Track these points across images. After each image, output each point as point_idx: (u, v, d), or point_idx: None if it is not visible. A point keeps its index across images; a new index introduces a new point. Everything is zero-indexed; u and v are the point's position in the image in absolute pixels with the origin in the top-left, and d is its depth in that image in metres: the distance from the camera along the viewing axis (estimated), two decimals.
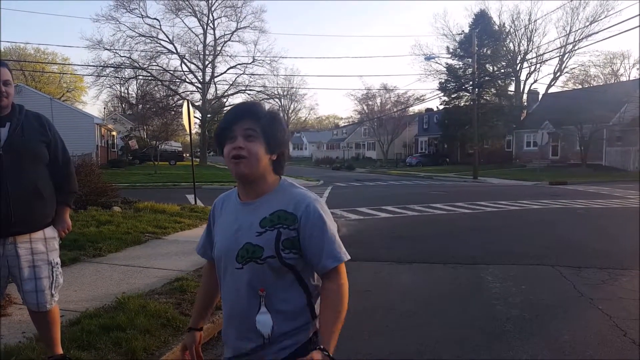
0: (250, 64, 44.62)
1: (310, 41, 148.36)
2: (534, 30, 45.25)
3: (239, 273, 1.46)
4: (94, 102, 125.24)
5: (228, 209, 1.57)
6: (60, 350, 2.81)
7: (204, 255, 1.69)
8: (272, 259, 1.42)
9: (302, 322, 1.48)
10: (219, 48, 44.93)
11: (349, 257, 1.49)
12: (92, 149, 27.51)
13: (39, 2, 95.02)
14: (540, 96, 43.13)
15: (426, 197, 15.44)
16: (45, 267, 2.60)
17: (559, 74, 45.75)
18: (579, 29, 41.99)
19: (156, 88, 40.95)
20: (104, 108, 55.65)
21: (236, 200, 1.54)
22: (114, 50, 40.50)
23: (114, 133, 38.80)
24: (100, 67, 40.52)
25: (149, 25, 42.49)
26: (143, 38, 41.96)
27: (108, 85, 46.68)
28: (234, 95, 45.85)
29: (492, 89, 41.24)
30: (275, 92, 48.60)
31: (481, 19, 40.20)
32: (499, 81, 41.80)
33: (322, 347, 1.38)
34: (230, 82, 45.73)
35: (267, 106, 1.55)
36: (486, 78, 39.17)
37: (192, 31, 45.01)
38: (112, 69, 41.11)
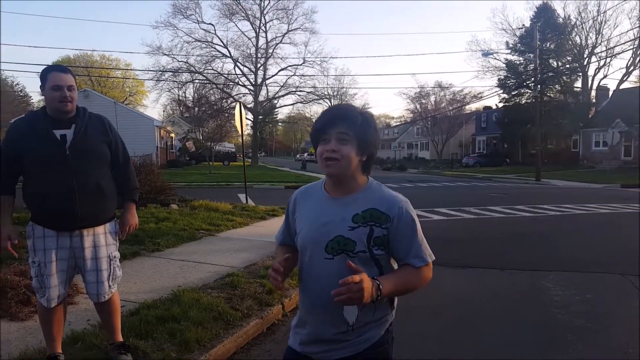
0: (300, 65, 45.27)
1: (361, 40, 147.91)
2: (603, 22, 41.38)
3: (328, 263, 1.54)
4: (154, 106, 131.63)
5: (312, 201, 1.66)
6: (120, 338, 2.99)
7: (282, 242, 1.78)
8: (363, 253, 1.52)
9: (383, 313, 1.59)
10: (270, 50, 45.85)
11: (434, 258, 1.60)
12: (152, 150, 28.81)
13: (105, 11, 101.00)
14: (610, 92, 40.02)
15: (484, 199, 14.79)
16: (105, 259, 2.78)
17: (632, 68, 41.57)
18: None
19: (211, 91, 42.38)
20: (163, 111, 58.16)
21: (323, 194, 1.63)
22: (172, 56, 42.41)
23: (172, 135, 40.52)
24: (160, 72, 42.54)
25: (204, 30, 44.08)
26: (199, 43, 43.63)
27: (167, 89, 48.72)
28: (285, 97, 46.58)
29: (557, 86, 39.04)
30: (325, 93, 48.86)
31: (544, 12, 38.13)
32: (564, 77, 39.40)
33: (379, 282, 1.45)
34: (281, 84, 46.53)
35: (359, 108, 1.61)
36: (550, 74, 37.04)
37: (245, 35, 46.20)
38: (171, 73, 43.00)
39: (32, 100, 50.95)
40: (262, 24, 45.48)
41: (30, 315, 3.61)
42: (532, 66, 32.65)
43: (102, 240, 2.76)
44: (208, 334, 3.40)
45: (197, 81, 44.18)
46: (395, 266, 1.63)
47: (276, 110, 52.17)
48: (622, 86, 41.41)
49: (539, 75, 30.73)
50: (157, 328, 3.38)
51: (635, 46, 39.39)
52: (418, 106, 52.46)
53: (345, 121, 1.52)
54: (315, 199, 1.65)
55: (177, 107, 49.01)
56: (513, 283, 5.49)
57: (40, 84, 2.66)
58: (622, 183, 21.44)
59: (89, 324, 3.50)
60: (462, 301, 4.83)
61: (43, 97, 2.71)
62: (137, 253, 5.86)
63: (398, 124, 71.45)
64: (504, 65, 41.47)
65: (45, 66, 2.72)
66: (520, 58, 39.65)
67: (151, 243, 6.35)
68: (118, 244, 2.91)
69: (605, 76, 44.35)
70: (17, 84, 52.53)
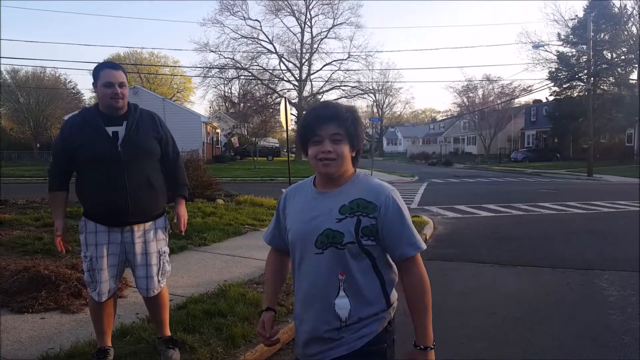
0: (345, 59, 45.08)
1: (407, 33, 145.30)
2: None
3: (318, 258, 1.53)
4: (200, 102, 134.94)
5: (301, 198, 1.65)
6: (168, 332, 3.01)
7: (272, 242, 1.78)
8: (352, 245, 1.50)
9: (378, 308, 1.54)
10: (315, 45, 45.88)
11: (425, 247, 1.56)
12: (199, 145, 29.60)
13: (153, 9, 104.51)
14: None
15: (533, 195, 14.34)
16: (155, 255, 2.79)
17: None
18: None
19: (256, 87, 42.98)
20: (210, 107, 59.73)
21: (311, 190, 1.63)
22: (219, 52, 43.25)
23: (218, 130, 41.45)
24: (207, 69, 43.53)
25: (250, 26, 44.72)
26: (245, 39, 44.26)
27: (213, 86, 49.95)
28: (329, 92, 46.54)
29: (611, 78, 37.41)
30: (370, 87, 48.44)
31: (598, 2, 36.28)
32: (619, 69, 37.61)
33: (421, 346, 1.50)
34: (326, 79, 46.51)
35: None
36: (604, 66, 35.43)
37: (291, 30, 46.67)
38: (217, 70, 43.91)
39: (83, 97, 53.43)
40: (307, 19, 45.62)
41: (81, 308, 3.71)
42: (584, 58, 31.10)
43: (152, 235, 2.77)
44: (254, 329, 3.37)
45: (242, 77, 44.98)
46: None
47: None
48: None
49: (592, 67, 29.26)
50: (204, 322, 3.39)
51: None
52: (465, 100, 51.07)
53: (335, 121, 1.52)
54: (304, 195, 1.65)
55: (223, 103, 50.14)
56: (566, 282, 5.26)
57: (92, 81, 2.69)
58: None
59: (137, 317, 3.55)
60: (514, 301, 4.67)
61: (95, 93, 2.74)
62: (184, 247, 5.97)
63: (444, 118, 69.83)
64: (556, 57, 40.06)
65: (96, 63, 2.74)
66: (573, 50, 38.21)
67: (198, 237, 6.46)
68: (167, 239, 2.92)
69: None
70: (70, 81, 55.35)
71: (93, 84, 2.70)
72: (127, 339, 3.14)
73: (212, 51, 43.39)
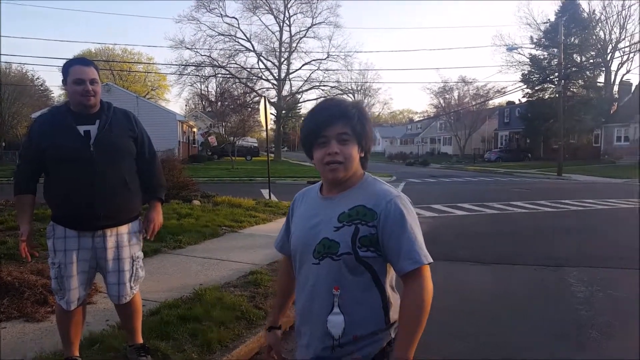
0: (324, 59, 44.98)
1: (385, 34, 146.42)
2: (627, 17, 40.95)
3: (315, 269, 1.42)
4: (176, 100, 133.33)
5: (307, 203, 1.55)
6: (140, 340, 2.90)
7: (282, 250, 1.66)
8: (348, 256, 1.37)
9: (375, 328, 1.40)
10: (294, 44, 45.71)
11: (431, 261, 1.37)
12: (175, 144, 29.15)
13: (126, 4, 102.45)
14: (633, 88, 39.34)
15: (506, 194, 14.72)
16: (128, 260, 2.68)
17: None
18: None
19: (234, 86, 42.49)
20: (186, 105, 58.90)
21: (317, 195, 1.52)
22: (195, 50, 42.58)
23: (195, 129, 40.88)
24: (182, 66, 42.82)
25: (228, 24, 44.20)
26: (222, 37, 43.69)
27: (189, 84, 49.15)
28: (309, 91, 46.57)
29: (580, 81, 38.60)
30: (349, 87, 48.52)
31: (569, 6, 37.52)
32: (588, 72, 39.01)
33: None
34: (305, 78, 46.38)
35: (348, 100, 1.48)
36: (573, 69, 36.68)
37: (269, 29, 46.24)
38: (193, 67, 43.26)
39: (52, 95, 51.79)
40: (286, 18, 45.39)
41: (47, 316, 3.55)
42: (556, 61, 32.03)
43: (125, 240, 2.66)
44: (230, 334, 3.33)
45: (220, 75, 44.47)
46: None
47: (299, 104, 52.10)
48: None
49: (563, 70, 30.16)
50: (179, 328, 3.30)
51: None
52: (441, 101, 51.83)
53: (342, 120, 1.40)
54: (310, 200, 1.55)
55: (200, 102, 49.50)
56: (539, 279, 5.46)
57: (62, 77, 2.57)
58: None
59: (107, 324, 3.43)
60: (487, 298, 4.81)
61: (65, 91, 2.62)
62: (158, 250, 5.81)
63: (421, 118, 70.73)
64: (528, 60, 41.07)
65: (66, 60, 2.62)
66: (545, 53, 39.12)
67: (173, 240, 6.31)
68: (142, 244, 2.82)
69: (628, 71, 43.39)
70: (38, 78, 53.58)
71: (63, 81, 2.57)
72: (96, 347, 3.02)
73: (188, 48, 42.68)
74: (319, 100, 1.62)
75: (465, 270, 5.89)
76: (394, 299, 1.45)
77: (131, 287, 2.71)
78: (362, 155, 1.46)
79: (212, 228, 7.31)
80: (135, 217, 2.74)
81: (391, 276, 1.45)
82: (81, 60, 2.64)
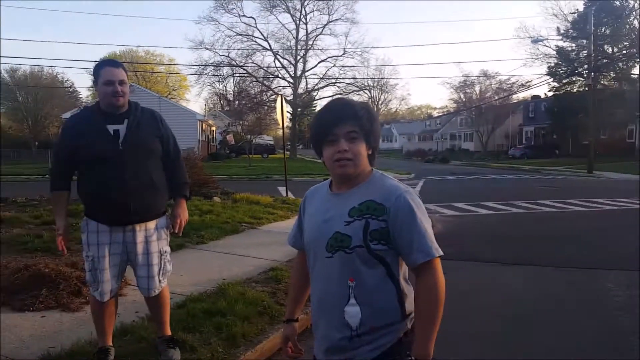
0: (340, 56, 44.88)
1: (403, 29, 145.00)
2: None
3: (329, 262, 1.47)
4: (196, 100, 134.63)
5: (318, 199, 1.61)
6: (169, 332, 3.01)
7: (295, 245, 1.73)
8: (360, 249, 1.43)
9: (391, 319, 1.46)
10: (310, 42, 45.70)
11: (442, 253, 1.44)
12: (195, 143, 29.47)
13: (149, 7, 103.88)
14: None
15: (533, 192, 14.31)
16: (156, 254, 2.78)
17: None
18: None
19: (251, 84, 42.70)
20: (205, 105, 59.41)
21: (327, 191, 1.58)
22: (214, 50, 42.97)
23: (214, 128, 41.30)
24: (202, 67, 43.27)
25: (245, 24, 44.41)
26: (240, 37, 43.97)
27: (208, 83, 49.53)
28: (324, 89, 46.45)
29: (612, 73, 37.25)
30: (365, 84, 48.31)
31: None
32: (620, 64, 37.36)
33: (412, 358, 1.39)
34: (321, 76, 46.36)
35: (357, 99, 1.56)
36: (604, 61, 35.39)
37: (285, 27, 46.21)
38: (212, 67, 43.66)
39: (80, 96, 53.20)
40: (302, 16, 45.39)
41: (81, 307, 3.70)
42: (585, 53, 31.01)
43: (153, 235, 2.77)
44: (254, 328, 3.39)
45: (237, 75, 44.74)
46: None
47: (315, 102, 52.12)
48: None
49: (593, 62, 29.17)
50: (204, 322, 3.39)
51: None
52: (462, 96, 50.92)
53: (350, 119, 1.46)
54: (320, 197, 1.61)
55: (218, 101, 49.91)
56: (570, 282, 5.24)
57: (93, 79, 2.69)
58: None
59: (137, 316, 3.54)
60: (516, 301, 4.65)
61: (96, 92, 2.73)
62: (182, 245, 5.95)
63: (440, 114, 69.79)
64: (555, 52, 39.87)
65: (93, 62, 2.74)
66: (573, 44, 37.83)
67: (195, 235, 6.45)
68: (169, 239, 2.92)
69: None
70: (67, 79, 54.96)
71: (94, 82, 2.69)
72: (128, 338, 3.14)
73: (207, 49, 43.16)
74: (330, 99, 1.68)
75: (489, 271, 5.77)
76: (408, 291, 1.50)
77: (160, 281, 2.81)
78: (370, 152, 1.52)
79: (233, 224, 7.44)
80: (162, 213, 2.85)
81: (404, 269, 1.51)
82: (111, 62, 2.76)
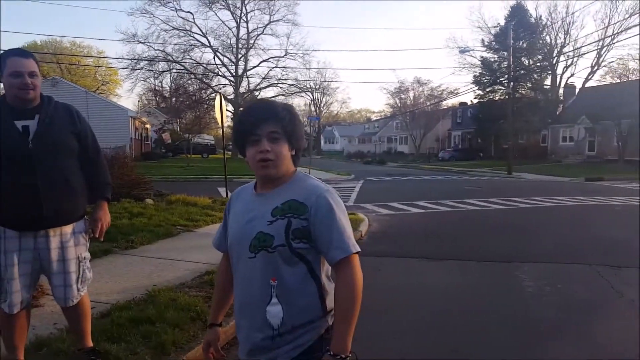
0: (282, 57, 44.76)
1: (343, 33, 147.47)
2: (571, 23, 44.14)
3: (251, 262, 1.48)
4: (128, 95, 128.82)
5: (243, 200, 1.61)
6: (90, 343, 2.81)
7: (220, 247, 1.72)
8: (282, 247, 1.45)
9: (313, 316, 1.48)
10: (251, 41, 45.18)
11: (359, 250, 1.47)
12: (126, 141, 28.15)
13: None
14: (577, 90, 41.98)
15: (459, 192, 15.18)
16: (74, 261, 2.58)
17: (596, 67, 43.88)
18: (618, 21, 40.06)
19: (189, 81, 41.49)
20: (138, 101, 56.96)
21: (252, 192, 1.59)
22: (148, 44, 41.23)
23: (148, 126, 39.63)
24: (135, 61, 41.43)
25: (183, 18, 43.03)
26: (177, 31, 42.52)
27: (142, 79, 47.63)
28: (267, 89, 46.15)
29: (528, 83, 40.42)
30: (307, 86, 48.56)
31: (517, 12, 39.30)
32: (535, 75, 40.89)
33: (331, 352, 1.40)
34: (263, 76, 46.01)
35: (279, 100, 1.60)
36: (522, 72, 38.40)
37: (226, 24, 45.50)
38: (146, 62, 41.95)
39: None
40: (243, 14, 44.75)
41: None
42: (505, 64, 33.47)
43: (70, 240, 2.56)
44: (185, 335, 3.27)
45: (174, 71, 43.32)
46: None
47: None
48: (588, 84, 43.39)
49: (512, 73, 31.67)
50: (131, 331, 3.21)
51: (599, 47, 41.42)
52: (398, 101, 52.95)
53: (272, 119, 1.48)
54: (245, 198, 1.62)
55: (153, 97, 47.86)
56: (490, 275, 5.63)
57: None
58: (587, 177, 22.34)
59: (55, 327, 3.29)
60: (443, 294, 4.90)
61: (1, 84, 2.48)
62: (108, 251, 5.61)
63: (378, 118, 71.92)
64: (480, 62, 42.65)
65: (3, 51, 2.49)
66: (495, 56, 40.89)
67: (124, 240, 6.12)
68: (88, 244, 2.72)
69: (572, 75, 47.07)
70: None
71: None
72: (43, 352, 2.90)
73: (141, 42, 41.14)
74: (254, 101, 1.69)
75: (418, 265, 6.04)
76: (330, 287, 1.52)
77: (78, 289, 2.61)
78: (293, 153, 1.54)
79: (166, 227, 7.14)
80: (81, 217, 2.64)
81: (326, 267, 1.53)
82: (19, 52, 2.50)
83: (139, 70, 42.98)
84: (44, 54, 44.06)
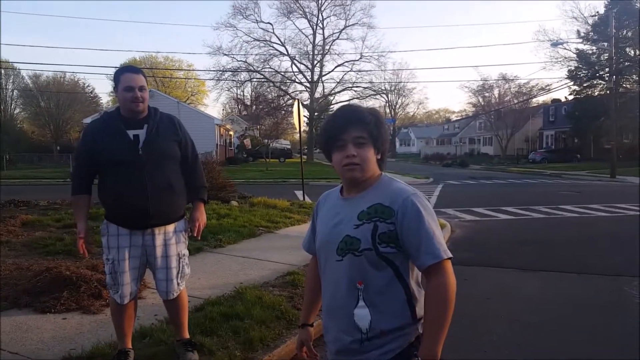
0: (357, 60, 45.03)
1: (420, 33, 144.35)
2: None
3: (338, 265, 1.49)
4: (214, 105, 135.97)
5: (330, 204, 1.63)
6: (187, 335, 3.02)
7: (309, 250, 1.74)
8: (369, 252, 1.44)
9: (402, 322, 1.46)
10: (327, 47, 45.91)
11: (451, 255, 1.44)
12: (213, 147, 29.73)
13: (168, 14, 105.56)
14: None
15: (554, 197, 14.07)
16: (175, 257, 2.80)
17: None
18: None
19: (268, 89, 43.12)
20: (223, 110, 59.98)
21: (338, 196, 1.61)
22: (232, 55, 43.49)
23: (231, 133, 41.63)
24: (220, 72, 43.78)
25: (263, 29, 44.88)
26: (257, 42, 44.46)
27: (226, 88, 50.22)
28: (341, 93, 46.55)
29: (634, 76, 36.33)
30: (382, 88, 48.22)
31: None
32: None
33: (419, 359, 1.38)
34: (338, 80, 46.47)
35: (374, 104, 1.56)
36: (626, 63, 34.68)
37: (302, 32, 46.84)
38: (230, 73, 44.14)
39: (101, 101, 54.44)
40: (319, 21, 45.69)
41: (101, 309, 3.74)
42: (606, 55, 30.52)
43: (172, 238, 2.79)
44: (271, 333, 3.37)
45: (255, 80, 45.16)
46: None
47: (332, 106, 52.25)
48: None
49: (615, 65, 28.66)
50: (222, 325, 3.39)
51: None
52: (481, 99, 50.54)
53: (358, 125, 1.49)
54: (332, 201, 1.64)
55: (236, 106, 50.35)
56: (593, 289, 5.13)
57: (113, 85, 2.73)
58: None
59: (156, 319, 3.57)
60: (538, 307, 4.55)
61: (116, 97, 2.77)
62: (200, 249, 5.99)
63: (459, 118, 69.35)
64: (575, 55, 39.29)
65: (114, 68, 2.78)
66: (593, 47, 37.35)
67: (213, 239, 6.49)
68: (187, 242, 2.94)
69: None
70: (88, 85, 56.29)
71: (114, 87, 2.73)
72: (147, 340, 3.16)
73: (225, 54, 43.72)
74: (340, 105, 1.70)
75: (510, 276, 5.69)
76: (420, 294, 1.49)
77: (178, 284, 2.83)
78: (379, 157, 1.55)
79: (250, 228, 7.46)
80: (181, 217, 2.87)
81: (416, 272, 1.50)
82: (131, 68, 2.79)
83: (223, 81, 45.38)
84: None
